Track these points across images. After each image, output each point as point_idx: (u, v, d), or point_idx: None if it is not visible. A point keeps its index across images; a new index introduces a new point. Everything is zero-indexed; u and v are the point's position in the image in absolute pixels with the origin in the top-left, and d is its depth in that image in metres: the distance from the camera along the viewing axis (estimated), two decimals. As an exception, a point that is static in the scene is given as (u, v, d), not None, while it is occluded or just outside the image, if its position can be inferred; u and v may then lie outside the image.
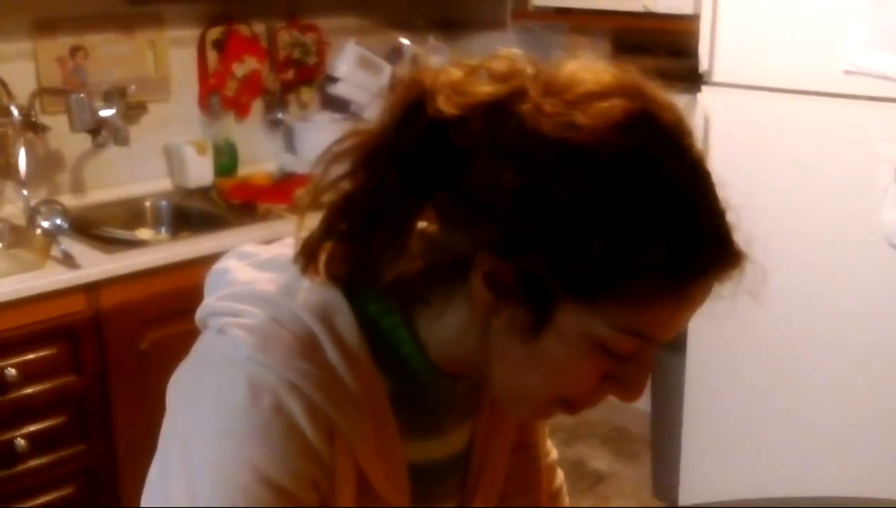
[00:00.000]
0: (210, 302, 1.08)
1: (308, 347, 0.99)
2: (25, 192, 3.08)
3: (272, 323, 1.00)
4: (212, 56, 3.71)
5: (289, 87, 3.98)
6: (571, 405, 1.04)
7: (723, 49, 2.99)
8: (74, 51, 3.34)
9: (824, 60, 2.79)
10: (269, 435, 0.96)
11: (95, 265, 2.83)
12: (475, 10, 4.33)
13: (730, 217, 0.96)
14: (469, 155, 0.94)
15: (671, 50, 3.27)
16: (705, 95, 3.04)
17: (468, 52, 4.17)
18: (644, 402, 3.75)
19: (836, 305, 2.90)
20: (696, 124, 2.94)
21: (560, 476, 1.44)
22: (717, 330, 3.13)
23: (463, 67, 0.99)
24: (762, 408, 3.13)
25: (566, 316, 0.94)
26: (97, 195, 3.45)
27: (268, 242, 1.17)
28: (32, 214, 3.01)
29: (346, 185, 1.01)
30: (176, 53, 3.63)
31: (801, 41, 2.83)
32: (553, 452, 1.42)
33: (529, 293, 0.94)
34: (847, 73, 2.76)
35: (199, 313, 1.09)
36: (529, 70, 0.98)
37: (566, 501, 1.45)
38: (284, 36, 3.92)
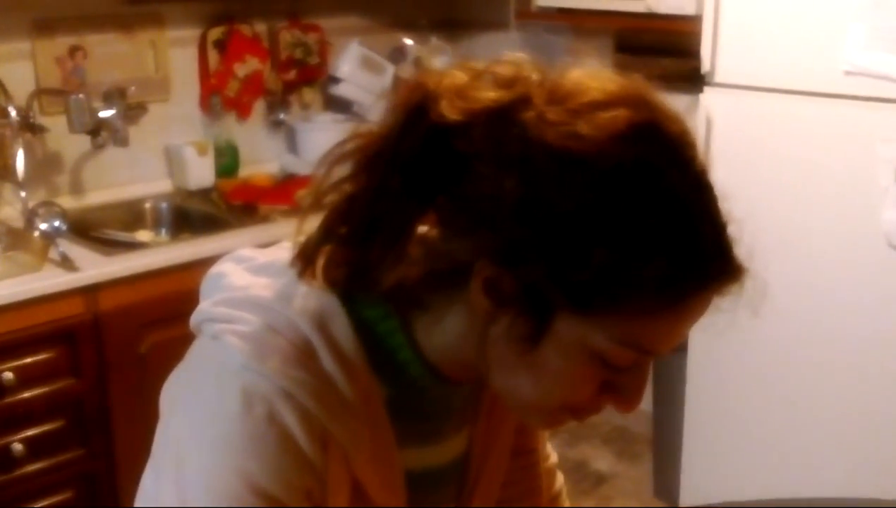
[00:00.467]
0: (205, 307, 1.07)
1: (303, 354, 0.99)
2: (23, 194, 3.06)
3: (267, 331, 1.00)
4: (213, 56, 3.70)
5: (291, 88, 3.97)
6: (578, 411, 1.03)
7: (725, 50, 3.00)
8: (73, 51, 3.33)
9: (825, 61, 2.80)
10: (262, 445, 0.95)
11: (94, 267, 2.82)
12: (478, 10, 4.32)
13: (731, 230, 0.95)
14: (471, 161, 0.94)
15: (673, 51, 3.27)
16: (707, 96, 3.05)
17: (471, 52, 4.20)
18: (646, 403, 3.73)
19: (837, 305, 2.91)
20: (697, 124, 2.97)
21: (560, 479, 1.44)
22: (717, 328, 3.12)
23: (467, 71, 0.98)
24: (763, 409, 3.13)
25: (565, 325, 0.94)
26: (96, 197, 3.43)
27: (265, 246, 1.16)
28: (30, 216, 3.00)
29: (347, 188, 1.00)
30: (176, 53, 3.62)
31: (801, 42, 2.84)
32: (553, 456, 1.42)
33: (529, 302, 0.93)
34: (847, 73, 2.77)
35: (194, 318, 1.08)
36: (535, 76, 0.97)
37: (566, 504, 1.45)
38: (286, 36, 3.90)
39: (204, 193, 3.59)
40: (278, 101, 3.94)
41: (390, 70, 4.04)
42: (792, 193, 2.93)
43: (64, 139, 3.30)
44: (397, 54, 4.15)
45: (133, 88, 3.39)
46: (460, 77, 0.97)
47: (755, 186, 2.95)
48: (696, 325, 0.99)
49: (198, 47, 3.67)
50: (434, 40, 4.17)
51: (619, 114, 0.91)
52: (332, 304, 1.02)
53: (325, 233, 1.01)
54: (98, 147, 3.33)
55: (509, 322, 0.96)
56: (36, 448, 2.73)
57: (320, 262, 1.02)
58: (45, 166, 3.31)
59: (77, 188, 3.41)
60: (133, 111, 3.41)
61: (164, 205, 3.52)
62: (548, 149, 0.91)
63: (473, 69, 0.98)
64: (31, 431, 2.72)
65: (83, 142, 3.32)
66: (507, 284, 0.94)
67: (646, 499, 3.79)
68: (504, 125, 0.93)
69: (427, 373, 1.06)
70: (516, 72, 0.97)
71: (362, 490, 1.03)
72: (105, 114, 3.26)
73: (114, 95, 3.29)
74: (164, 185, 3.62)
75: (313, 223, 1.03)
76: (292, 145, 3.97)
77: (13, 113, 3.06)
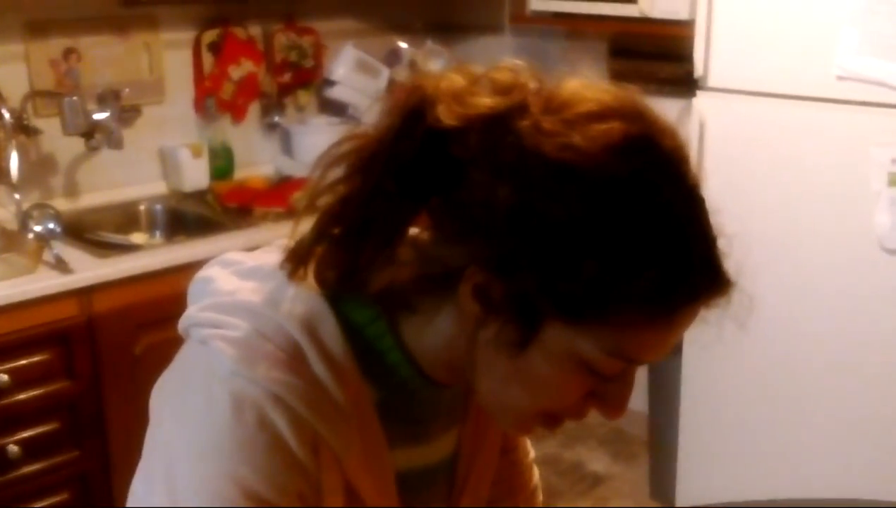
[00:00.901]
0: (193, 312, 1.07)
1: (293, 359, 0.99)
2: (17, 196, 3.06)
3: (256, 336, 1.00)
4: (207, 58, 3.70)
5: (286, 90, 3.98)
6: (554, 419, 1.04)
7: (717, 54, 3.01)
8: (67, 53, 3.32)
9: (817, 66, 2.81)
10: (253, 450, 0.96)
11: (88, 269, 2.82)
12: (473, 13, 4.33)
13: (721, 243, 0.96)
14: (467, 167, 0.94)
15: (667, 55, 3.28)
16: (700, 100, 3.06)
17: (465, 55, 4.19)
18: (642, 404, 3.76)
19: (830, 308, 2.92)
20: (691, 128, 2.98)
21: (536, 474, 1.44)
22: (712, 330, 3.13)
23: (465, 76, 0.99)
24: (758, 411, 3.14)
25: (553, 334, 0.94)
26: (91, 199, 3.43)
27: (253, 249, 1.16)
28: (24, 218, 3.00)
29: (341, 189, 1.01)
30: (171, 56, 3.61)
31: (794, 47, 2.86)
32: (531, 451, 1.42)
33: (518, 309, 0.94)
34: (840, 78, 2.78)
35: (182, 323, 1.08)
36: (532, 84, 0.98)
37: (540, 499, 1.45)
38: (281, 38, 3.91)
39: (199, 195, 3.59)
40: (273, 104, 3.94)
41: (385, 73, 4.04)
42: (785, 197, 2.95)
43: (58, 141, 3.31)
44: (392, 57, 4.16)
45: (127, 90, 3.39)
46: (458, 81, 0.98)
47: (748, 190, 2.97)
48: (690, 333, 1.00)
49: (192, 49, 3.67)
50: (429, 43, 4.18)
51: (614, 127, 0.92)
52: (320, 308, 1.02)
53: (319, 234, 1.02)
54: (92, 149, 3.32)
55: (498, 327, 0.96)
56: (31, 449, 2.73)
57: (312, 263, 1.03)
58: (39, 168, 3.31)
59: (71, 190, 3.41)
60: (127, 113, 3.41)
61: (158, 207, 3.52)
62: (542, 160, 0.91)
63: (471, 74, 0.99)
64: (26, 433, 2.72)
65: (77, 144, 3.31)
66: (496, 291, 0.94)
67: (642, 500, 3.80)
68: (500, 132, 0.94)
69: (416, 376, 1.07)
70: (514, 79, 0.98)
71: (355, 492, 1.03)
72: (99, 116, 3.26)
73: (108, 97, 3.30)
74: (158, 187, 3.62)
75: (307, 226, 1.03)
76: (287, 148, 3.97)
77: (7, 115, 3.06)
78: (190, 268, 1.18)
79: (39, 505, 2.79)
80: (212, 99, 3.73)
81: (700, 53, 3.03)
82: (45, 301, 2.71)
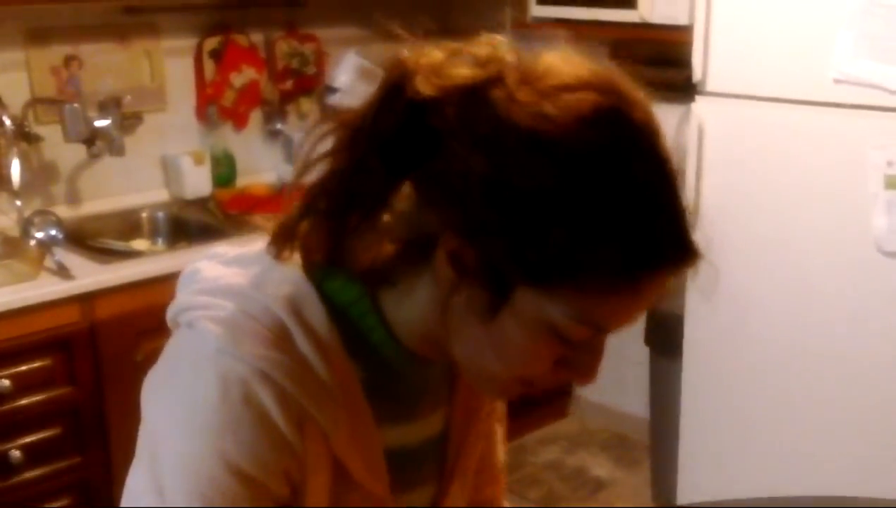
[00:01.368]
0: (181, 298, 1.10)
1: (279, 338, 1.01)
2: (19, 203, 3.08)
3: (242, 315, 1.02)
4: (209, 66, 3.72)
5: (287, 98, 3.99)
6: (530, 385, 1.06)
7: (716, 59, 3.02)
8: (68, 60, 3.34)
9: (814, 70, 2.82)
10: (238, 427, 0.97)
11: (90, 276, 2.84)
12: (474, 20, 4.34)
13: (689, 216, 0.97)
14: (445, 137, 0.96)
15: (666, 60, 3.29)
16: (699, 105, 3.07)
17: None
18: (644, 410, 3.76)
19: (828, 310, 2.93)
20: (689, 133, 2.99)
21: (502, 451, 1.43)
22: (712, 335, 3.15)
23: (444, 49, 1.01)
24: (758, 414, 3.15)
25: (523, 300, 0.96)
26: (92, 206, 3.44)
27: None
28: (26, 225, 3.01)
29: (328, 165, 1.03)
30: (172, 63, 3.63)
31: (791, 51, 2.87)
32: (500, 430, 1.41)
33: (489, 275, 0.96)
34: (836, 81, 2.79)
35: (170, 311, 1.10)
36: (509, 57, 0.99)
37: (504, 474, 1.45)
38: (283, 46, 3.92)
39: (201, 203, 3.61)
40: (275, 111, 3.95)
41: (386, 80, 4.05)
42: (783, 200, 2.96)
43: (59, 148, 3.32)
44: (393, 64, 4.16)
45: (128, 98, 3.40)
46: (437, 55, 1.00)
47: (747, 193, 2.98)
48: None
49: (194, 57, 3.69)
50: (430, 50, 4.18)
51: (585, 98, 0.94)
52: (305, 288, 1.04)
53: (305, 209, 1.04)
54: (94, 156, 3.33)
55: (470, 292, 0.98)
56: (33, 455, 2.74)
57: (298, 244, 1.05)
58: (40, 175, 3.32)
59: (73, 197, 3.42)
60: (129, 121, 3.42)
61: (160, 214, 3.54)
62: (515, 130, 0.93)
63: (450, 48, 1.01)
64: (28, 438, 2.74)
65: (79, 151, 3.33)
66: (469, 257, 0.96)
67: (644, 505, 3.80)
68: (476, 103, 0.95)
69: (400, 353, 1.09)
70: (492, 52, 1.00)
71: (344, 469, 1.05)
72: (100, 123, 3.27)
73: (109, 105, 3.31)
74: (160, 195, 3.63)
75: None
76: (289, 155, 3.97)
77: (8, 122, 3.08)
78: (191, 275, 1.19)
79: (41, 511, 2.80)
80: (213, 106, 3.74)
81: (699, 58, 3.05)
82: (47, 307, 2.73)
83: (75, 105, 3.20)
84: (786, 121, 2.92)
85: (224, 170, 3.77)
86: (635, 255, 0.93)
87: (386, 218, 1.03)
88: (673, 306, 3.27)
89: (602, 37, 3.90)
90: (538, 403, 4.08)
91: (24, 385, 2.70)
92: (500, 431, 1.40)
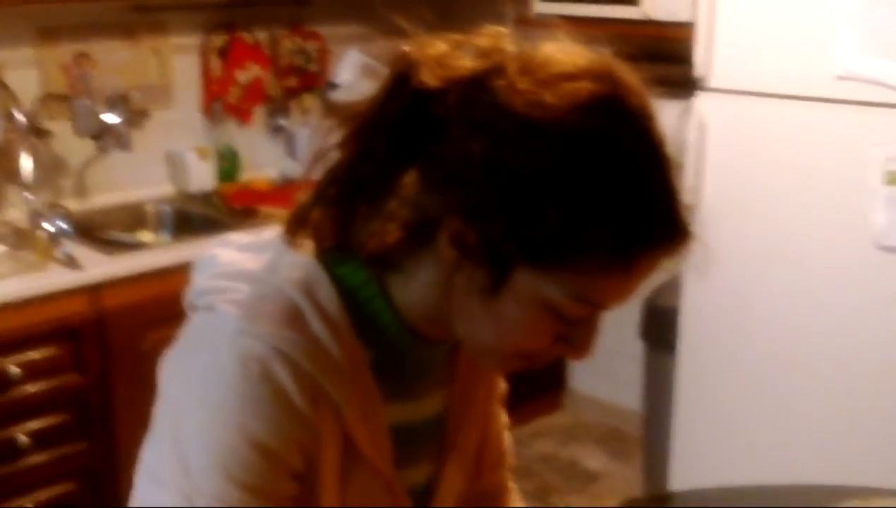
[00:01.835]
0: (198, 282, 1.14)
1: (293, 318, 1.05)
2: (29, 196, 3.12)
3: (258, 298, 1.07)
4: (215, 63, 3.76)
5: (291, 94, 4.03)
6: (529, 358, 1.11)
7: (718, 55, 3.02)
8: (78, 57, 3.37)
9: (817, 66, 2.82)
10: (258, 402, 1.01)
11: (98, 266, 2.87)
12: (477, 17, 4.35)
13: (683, 197, 1.02)
14: (446, 124, 1.01)
15: (669, 56, 3.31)
16: (701, 101, 3.07)
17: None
18: (637, 403, 3.78)
19: (827, 306, 2.93)
20: (692, 129, 3.00)
21: (508, 437, 1.47)
22: (708, 330, 3.16)
23: (448, 41, 1.06)
24: (752, 409, 3.15)
25: (522, 279, 1.01)
26: (100, 199, 3.49)
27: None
28: (36, 218, 3.05)
29: (338, 154, 1.08)
30: (179, 60, 3.67)
31: (794, 47, 2.86)
32: (504, 415, 1.46)
33: (489, 255, 1.01)
34: (839, 77, 2.78)
35: (189, 295, 1.15)
36: (510, 48, 1.04)
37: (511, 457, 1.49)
38: (287, 43, 3.96)
39: (205, 197, 3.65)
40: (279, 107, 3.99)
41: (389, 77, 4.07)
42: (784, 196, 2.95)
43: (69, 143, 3.36)
44: (396, 62, 4.18)
45: (137, 94, 3.45)
46: (441, 47, 1.05)
47: (748, 189, 2.98)
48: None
49: (200, 54, 3.73)
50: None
51: (582, 86, 0.98)
52: (317, 273, 1.08)
53: (318, 196, 1.08)
54: (102, 151, 3.38)
55: (471, 272, 1.03)
56: (40, 440, 2.77)
57: (310, 231, 1.09)
58: (50, 169, 3.36)
59: (81, 191, 3.46)
60: (136, 116, 3.47)
61: (166, 207, 3.57)
62: (514, 116, 0.98)
63: (454, 39, 1.06)
64: (36, 424, 2.77)
65: (87, 146, 3.38)
66: (471, 238, 1.01)
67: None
68: (477, 92, 1.00)
69: (406, 334, 1.13)
70: (494, 43, 1.05)
71: (353, 444, 1.10)
72: (109, 119, 3.32)
73: (117, 101, 3.35)
74: (166, 189, 3.67)
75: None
76: (292, 150, 4.01)
77: (20, 117, 3.11)
78: (196, 266, 1.23)
79: (47, 495, 2.82)
80: (218, 102, 3.78)
81: (701, 54, 3.05)
82: (55, 297, 2.76)
83: (85, 101, 3.23)
84: (788, 117, 2.92)
85: (228, 164, 3.81)
86: (629, 235, 0.98)
87: (392, 205, 1.07)
88: (668, 300, 3.28)
89: (605, 33, 3.92)
90: (532, 396, 4.11)
91: (32, 372, 2.73)
92: (504, 417, 1.45)
